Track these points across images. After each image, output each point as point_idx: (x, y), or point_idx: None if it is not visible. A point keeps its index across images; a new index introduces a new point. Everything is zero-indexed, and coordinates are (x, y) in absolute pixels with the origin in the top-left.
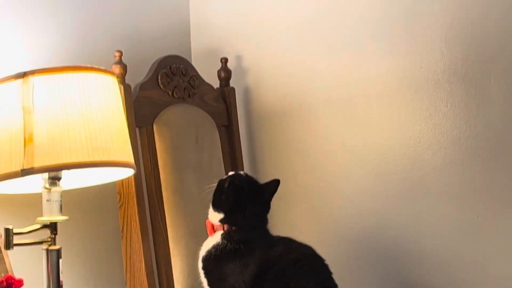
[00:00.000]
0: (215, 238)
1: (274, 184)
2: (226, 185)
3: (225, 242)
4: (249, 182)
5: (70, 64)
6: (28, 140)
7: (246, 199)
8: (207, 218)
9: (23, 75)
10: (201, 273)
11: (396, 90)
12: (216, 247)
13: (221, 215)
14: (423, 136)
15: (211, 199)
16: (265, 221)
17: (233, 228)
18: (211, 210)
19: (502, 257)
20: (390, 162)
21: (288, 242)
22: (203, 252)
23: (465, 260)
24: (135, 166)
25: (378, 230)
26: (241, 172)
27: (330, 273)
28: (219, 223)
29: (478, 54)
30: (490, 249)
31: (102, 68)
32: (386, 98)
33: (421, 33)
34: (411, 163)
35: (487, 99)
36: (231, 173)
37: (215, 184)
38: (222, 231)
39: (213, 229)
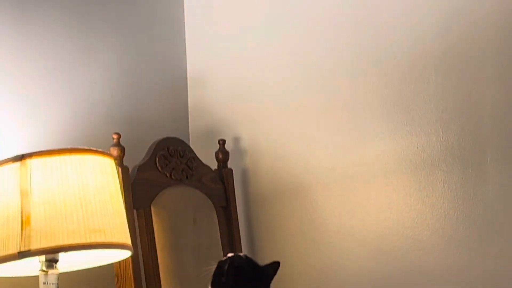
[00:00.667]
0: None
1: (274, 267)
2: (226, 266)
3: None
4: (249, 263)
5: (68, 146)
6: (25, 223)
7: (246, 281)
8: None
9: (21, 157)
10: None
11: (393, 170)
12: None
13: None
14: (420, 216)
15: (210, 281)
16: None
17: None
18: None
19: None
20: (388, 242)
21: None
22: None
23: None
24: (132, 247)
25: None
26: (241, 254)
27: None
28: None
29: (473, 134)
30: None
31: (100, 150)
32: (383, 178)
33: (417, 115)
34: (409, 243)
35: (484, 179)
36: (230, 254)
37: (214, 266)
38: None
39: None
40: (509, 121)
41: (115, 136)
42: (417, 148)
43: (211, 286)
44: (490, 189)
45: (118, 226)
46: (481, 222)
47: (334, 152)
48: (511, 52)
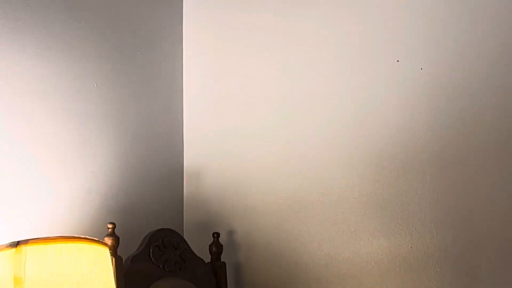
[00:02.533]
0: None
1: None
2: None
3: None
4: None
5: (64, 235)
6: None
7: None
8: None
9: (17, 244)
10: None
11: (386, 269)
12: None
13: None
14: None
15: None
16: None
17: None
18: None
19: None
20: None
21: None
22: None
23: None
24: None
25: None
26: None
27: None
28: None
29: (468, 237)
30: None
31: (95, 239)
32: (376, 276)
33: (411, 213)
34: None
35: (477, 281)
36: None
37: None
38: None
39: None
40: (505, 225)
41: (110, 226)
42: (411, 247)
43: None
44: None
45: None
46: None
47: (328, 248)
48: (507, 148)
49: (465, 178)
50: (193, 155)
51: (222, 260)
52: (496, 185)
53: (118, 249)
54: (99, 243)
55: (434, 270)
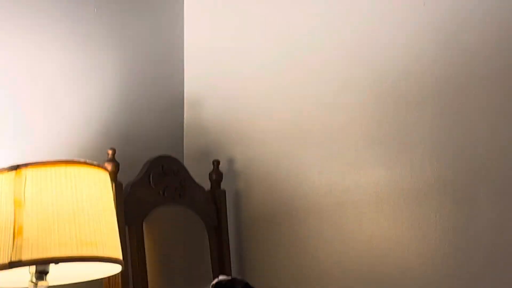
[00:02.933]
0: None
1: None
2: (243, 285)
3: None
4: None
5: (64, 159)
6: (17, 233)
7: None
8: None
9: (17, 167)
10: None
11: (386, 198)
12: None
13: None
14: (412, 246)
15: None
16: None
17: None
18: None
19: None
20: (379, 270)
21: None
22: None
23: None
24: (123, 262)
25: None
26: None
27: None
28: None
29: (467, 167)
30: None
31: (95, 163)
32: (376, 206)
33: (412, 144)
34: (400, 272)
35: (476, 210)
36: (221, 277)
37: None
38: None
39: None
40: (504, 155)
41: (110, 152)
42: (411, 177)
43: None
44: (482, 223)
45: (110, 241)
46: (473, 254)
47: (327, 178)
48: (508, 83)
49: (466, 109)
50: (194, 81)
51: (222, 188)
52: (497, 117)
53: (118, 175)
54: (99, 168)
55: (433, 199)
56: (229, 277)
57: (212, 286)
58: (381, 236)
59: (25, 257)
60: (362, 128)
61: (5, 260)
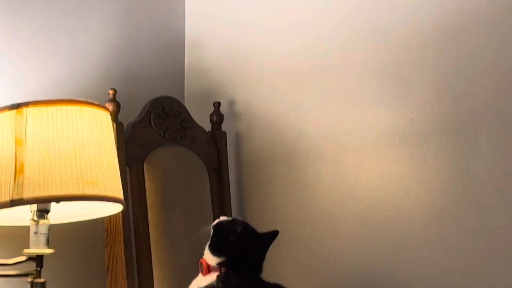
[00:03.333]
0: (209, 279)
1: (274, 235)
2: (240, 230)
3: (220, 285)
4: (252, 229)
5: (65, 98)
6: (19, 171)
7: (253, 246)
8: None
9: (17, 106)
10: None
11: (385, 140)
12: None
13: (221, 259)
14: (411, 188)
15: (209, 241)
16: (261, 269)
17: (231, 272)
18: (208, 251)
19: None
20: (378, 213)
21: None
22: None
23: None
24: (124, 201)
25: (367, 280)
26: (238, 218)
27: None
28: (216, 266)
29: (468, 109)
30: None
31: (96, 103)
32: (376, 148)
33: (412, 86)
34: (399, 215)
35: (476, 153)
36: (222, 217)
37: (209, 227)
38: (218, 273)
39: (209, 270)
40: (504, 96)
41: (111, 92)
42: (411, 119)
43: (213, 247)
44: (482, 164)
45: (111, 180)
46: (472, 196)
47: (328, 120)
48: (508, 27)
49: (467, 51)
50: (195, 22)
51: (222, 129)
52: (497, 57)
53: (119, 115)
54: (100, 107)
55: (433, 141)
56: (230, 218)
57: (212, 226)
58: (380, 178)
59: (26, 195)
60: (363, 71)
61: (6, 198)
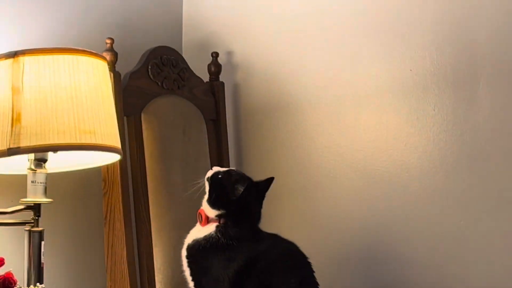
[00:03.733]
0: (207, 230)
1: (270, 181)
2: (242, 190)
3: (219, 236)
4: (252, 182)
5: (62, 46)
6: (16, 120)
7: (253, 198)
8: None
9: (14, 54)
10: (185, 261)
11: (385, 92)
12: (207, 239)
13: (221, 211)
14: (409, 139)
15: (206, 195)
16: (260, 218)
17: (230, 223)
18: (207, 205)
19: (483, 259)
20: (376, 163)
21: (274, 238)
22: (189, 240)
23: (447, 262)
24: (121, 151)
25: (363, 230)
26: (232, 169)
27: (312, 271)
28: (215, 217)
29: (467, 59)
30: (471, 252)
31: (94, 52)
32: (374, 99)
33: (412, 37)
34: (397, 166)
35: (475, 104)
36: (215, 168)
37: (202, 180)
38: (217, 224)
39: (207, 220)
40: (503, 46)
41: (108, 41)
42: (410, 70)
43: (213, 200)
44: (481, 115)
45: (109, 129)
46: (470, 147)
47: (327, 71)
48: None
49: (467, 2)
50: None
51: (220, 80)
52: (497, 9)
53: (116, 65)
54: (97, 56)
55: (432, 92)
56: (225, 169)
57: (207, 179)
58: (379, 129)
59: (23, 144)
60: (363, 22)
61: (3, 147)
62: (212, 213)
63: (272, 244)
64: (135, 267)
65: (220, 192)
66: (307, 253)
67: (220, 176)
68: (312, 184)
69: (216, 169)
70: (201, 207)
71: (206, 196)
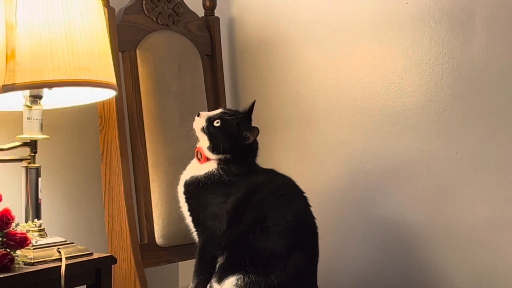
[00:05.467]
0: (208, 167)
1: (253, 105)
2: (256, 133)
3: (221, 173)
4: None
5: None
6: (10, 57)
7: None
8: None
9: None
10: (183, 197)
11: (380, 25)
12: (209, 176)
13: (225, 156)
14: (405, 72)
15: (207, 143)
16: (256, 153)
17: (231, 160)
18: (208, 151)
19: (479, 193)
20: (372, 97)
21: (270, 172)
22: (186, 176)
23: (442, 196)
24: (116, 87)
25: (358, 164)
26: (225, 110)
27: (308, 205)
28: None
29: None
30: (467, 186)
31: None
32: (370, 33)
33: None
34: (393, 99)
35: (471, 36)
36: (203, 113)
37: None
38: (218, 161)
39: (207, 158)
40: None
41: None
42: (406, 3)
43: (212, 150)
44: (476, 48)
45: (104, 66)
46: (466, 80)
47: (322, 5)
48: None
49: None
50: None
51: (215, 15)
52: None
53: (110, 0)
54: None
55: (428, 25)
56: (216, 113)
57: (201, 129)
58: (375, 63)
59: (18, 80)
60: None
61: None
62: (213, 156)
63: (268, 178)
64: (132, 202)
65: (226, 141)
66: (301, 186)
67: (219, 124)
68: (306, 117)
69: (205, 114)
70: (198, 145)
71: (202, 141)
